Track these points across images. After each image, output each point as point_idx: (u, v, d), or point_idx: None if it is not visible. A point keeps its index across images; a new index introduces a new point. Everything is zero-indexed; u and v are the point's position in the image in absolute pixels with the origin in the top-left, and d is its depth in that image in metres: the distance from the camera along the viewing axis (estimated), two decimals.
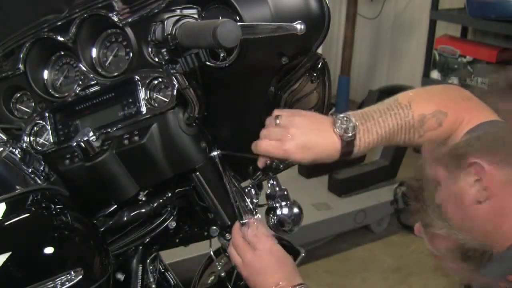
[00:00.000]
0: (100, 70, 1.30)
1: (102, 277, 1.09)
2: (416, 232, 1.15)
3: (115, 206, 1.27)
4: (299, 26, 1.04)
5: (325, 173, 3.44)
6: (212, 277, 1.54)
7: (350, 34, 4.66)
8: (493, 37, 3.98)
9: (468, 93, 1.16)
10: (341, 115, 1.09)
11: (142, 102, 1.20)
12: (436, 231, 1.08)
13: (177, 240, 1.41)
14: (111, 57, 1.30)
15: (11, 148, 1.20)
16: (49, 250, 1.06)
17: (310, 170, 3.47)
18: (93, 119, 1.26)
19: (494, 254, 1.05)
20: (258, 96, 1.28)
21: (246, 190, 1.36)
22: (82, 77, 1.29)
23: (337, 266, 3.05)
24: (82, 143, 1.16)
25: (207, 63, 1.18)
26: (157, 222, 1.31)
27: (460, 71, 3.76)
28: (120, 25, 1.24)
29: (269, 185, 1.44)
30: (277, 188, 1.44)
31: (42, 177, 1.19)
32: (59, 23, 1.30)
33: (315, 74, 1.31)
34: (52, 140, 1.30)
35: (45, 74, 1.36)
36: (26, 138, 1.32)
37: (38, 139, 1.32)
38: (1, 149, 1.18)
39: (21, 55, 1.33)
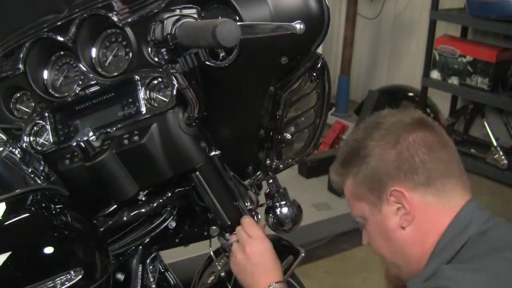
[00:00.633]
0: (100, 70, 1.30)
1: (102, 277, 1.09)
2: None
3: (115, 206, 1.27)
4: (298, 26, 1.04)
5: (325, 173, 3.44)
6: (212, 277, 1.54)
7: (350, 34, 4.66)
8: (493, 37, 3.98)
9: None
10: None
11: (142, 102, 1.20)
12: None
13: (177, 240, 1.41)
14: (111, 57, 1.30)
15: (11, 148, 1.20)
16: (49, 250, 1.06)
17: (310, 170, 3.47)
18: (93, 119, 1.26)
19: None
20: (258, 96, 1.28)
21: (246, 189, 1.37)
22: (82, 77, 1.29)
23: (337, 266, 3.04)
24: (82, 143, 1.16)
25: (207, 63, 1.18)
26: (157, 222, 1.31)
27: (460, 71, 3.76)
28: (120, 25, 1.24)
29: (269, 184, 1.44)
30: (276, 188, 1.44)
31: (42, 177, 1.19)
32: (59, 23, 1.30)
33: (314, 74, 1.31)
34: (52, 140, 1.30)
35: (45, 74, 1.36)
36: (26, 138, 1.32)
37: (38, 139, 1.33)
38: (1, 149, 1.18)
39: (21, 55, 1.33)
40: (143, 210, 1.28)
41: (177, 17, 1.04)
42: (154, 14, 1.19)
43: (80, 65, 1.30)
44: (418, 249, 1.11)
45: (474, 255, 1.04)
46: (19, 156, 1.20)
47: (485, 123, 3.84)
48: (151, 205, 1.28)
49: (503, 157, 3.67)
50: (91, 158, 1.18)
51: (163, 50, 1.07)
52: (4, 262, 0.99)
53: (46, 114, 1.32)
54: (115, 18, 1.24)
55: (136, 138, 1.18)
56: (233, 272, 1.27)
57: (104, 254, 1.15)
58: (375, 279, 2.95)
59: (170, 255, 1.56)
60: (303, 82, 1.32)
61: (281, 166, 1.40)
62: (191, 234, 1.40)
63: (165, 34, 1.03)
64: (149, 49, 1.23)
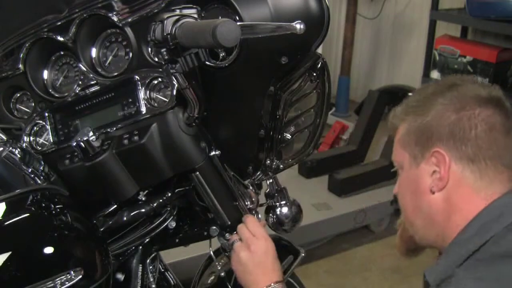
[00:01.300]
0: (100, 70, 1.30)
1: (102, 277, 1.09)
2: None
3: (115, 206, 1.27)
4: (298, 25, 1.04)
5: (325, 173, 3.44)
6: (212, 277, 1.54)
7: (350, 34, 4.67)
8: (493, 37, 3.98)
9: None
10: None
11: (142, 102, 1.20)
12: None
13: (177, 240, 1.41)
14: (111, 57, 1.30)
15: (11, 148, 1.20)
16: (49, 250, 1.06)
17: (310, 170, 3.47)
18: (93, 119, 1.26)
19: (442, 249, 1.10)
20: (258, 96, 1.28)
21: (246, 189, 1.37)
22: (82, 77, 1.29)
23: (337, 266, 3.04)
24: (82, 143, 1.16)
25: (207, 63, 1.18)
26: (157, 222, 1.31)
27: (460, 71, 3.75)
28: (120, 25, 1.24)
29: (269, 184, 1.44)
30: (276, 187, 1.44)
31: (42, 177, 1.19)
32: (59, 23, 1.30)
33: (314, 74, 1.31)
34: (52, 140, 1.30)
35: (45, 74, 1.36)
36: (26, 138, 1.32)
37: (38, 139, 1.33)
38: (1, 149, 1.18)
39: (21, 55, 1.33)
40: (143, 210, 1.28)
41: (177, 17, 1.04)
42: (154, 14, 1.19)
43: (80, 65, 1.30)
44: (440, 219, 1.08)
45: (494, 254, 0.99)
46: (19, 156, 1.20)
47: None
48: (151, 205, 1.28)
49: None
50: (91, 158, 1.18)
51: (163, 50, 1.07)
52: (4, 262, 0.98)
53: (46, 114, 1.32)
54: (115, 18, 1.24)
55: (136, 138, 1.18)
56: (234, 270, 1.27)
57: (104, 254, 1.15)
58: (375, 279, 2.95)
59: (170, 255, 1.56)
60: (303, 82, 1.32)
61: (281, 166, 1.40)
62: (191, 234, 1.40)
63: (165, 34, 1.03)
64: (149, 49, 1.23)
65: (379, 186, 3.40)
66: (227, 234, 1.32)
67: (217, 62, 1.22)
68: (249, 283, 1.23)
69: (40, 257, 1.05)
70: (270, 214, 1.45)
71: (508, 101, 1.11)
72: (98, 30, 1.30)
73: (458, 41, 3.93)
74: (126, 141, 1.19)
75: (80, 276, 1.03)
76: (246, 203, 1.33)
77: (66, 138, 1.28)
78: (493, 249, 1.00)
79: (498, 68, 3.59)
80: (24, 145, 1.31)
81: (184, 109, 1.18)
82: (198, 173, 1.24)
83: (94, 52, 1.31)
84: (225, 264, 1.49)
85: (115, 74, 1.28)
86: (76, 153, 1.21)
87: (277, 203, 1.45)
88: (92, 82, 1.28)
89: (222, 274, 1.48)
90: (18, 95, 1.39)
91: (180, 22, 1.03)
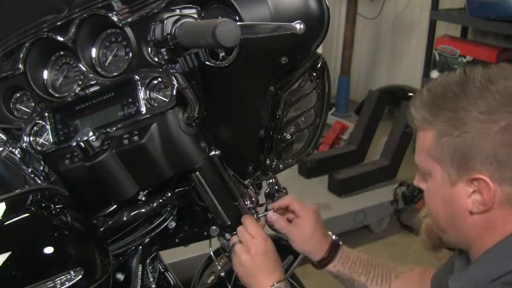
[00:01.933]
0: (99, 70, 1.30)
1: (102, 277, 1.09)
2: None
3: (115, 206, 1.27)
4: (298, 25, 1.04)
5: (325, 173, 3.44)
6: (212, 277, 1.54)
7: (350, 34, 4.67)
8: (493, 37, 3.98)
9: None
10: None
11: (142, 102, 1.20)
12: None
13: (177, 240, 1.41)
14: (110, 57, 1.30)
15: (11, 148, 1.20)
16: (49, 250, 1.06)
17: (310, 170, 3.47)
18: (93, 119, 1.26)
19: (472, 260, 1.06)
20: (258, 96, 1.28)
21: (246, 188, 1.37)
22: (82, 77, 1.29)
23: None
24: (82, 143, 1.16)
25: (207, 63, 1.18)
26: (157, 222, 1.31)
27: None
28: (120, 25, 1.24)
29: (269, 184, 1.44)
30: (276, 187, 1.44)
31: (42, 177, 1.19)
32: (59, 23, 1.30)
33: (314, 74, 1.31)
34: (52, 140, 1.30)
35: (45, 74, 1.36)
36: (26, 138, 1.32)
37: (38, 139, 1.33)
38: (1, 149, 1.18)
39: (21, 55, 1.33)
40: (143, 210, 1.28)
41: (177, 17, 1.04)
42: (154, 14, 1.19)
43: (80, 65, 1.30)
44: (475, 234, 1.02)
45: None
46: (19, 156, 1.20)
47: None
48: (151, 205, 1.28)
49: None
50: (91, 158, 1.18)
51: (163, 50, 1.07)
52: (4, 262, 0.99)
53: (46, 114, 1.32)
54: (115, 18, 1.24)
55: (136, 138, 1.18)
56: (237, 273, 1.27)
57: (104, 254, 1.15)
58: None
59: (170, 255, 1.56)
60: (303, 82, 1.32)
61: (281, 166, 1.40)
62: (191, 234, 1.40)
63: (165, 34, 1.03)
64: (149, 49, 1.23)
65: (379, 186, 3.41)
66: (227, 234, 1.32)
67: (217, 62, 1.22)
68: (252, 285, 1.23)
69: (40, 257, 1.05)
70: None
71: None
72: (98, 30, 1.30)
73: (458, 41, 3.93)
74: (126, 141, 1.19)
75: (80, 276, 1.03)
76: (246, 203, 1.33)
77: (66, 138, 1.28)
78: None
79: None
80: (24, 145, 1.31)
81: (184, 109, 1.18)
82: (198, 173, 1.24)
83: (94, 52, 1.31)
84: (225, 264, 1.49)
85: (115, 74, 1.28)
86: (76, 153, 1.21)
87: None
88: (92, 82, 1.28)
89: (222, 274, 1.48)
90: (18, 95, 1.39)
91: (180, 22, 1.03)
